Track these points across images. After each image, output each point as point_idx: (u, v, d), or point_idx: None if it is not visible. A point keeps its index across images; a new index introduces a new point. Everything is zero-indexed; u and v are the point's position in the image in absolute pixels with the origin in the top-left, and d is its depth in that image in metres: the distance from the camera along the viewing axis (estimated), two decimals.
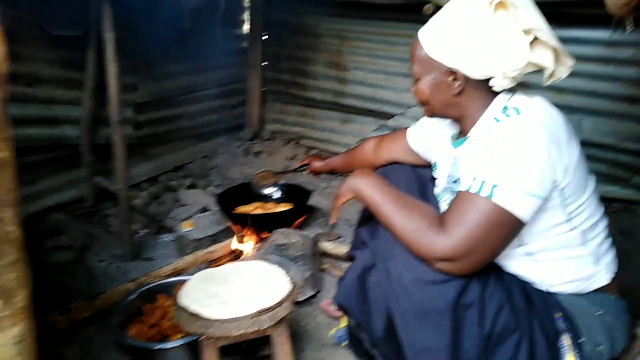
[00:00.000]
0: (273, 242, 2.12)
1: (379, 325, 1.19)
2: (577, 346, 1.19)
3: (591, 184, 1.23)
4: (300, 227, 2.45)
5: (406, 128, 1.63)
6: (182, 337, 1.54)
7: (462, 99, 1.22)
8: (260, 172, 2.32)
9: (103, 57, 2.09)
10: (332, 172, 2.00)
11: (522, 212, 1.07)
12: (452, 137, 1.39)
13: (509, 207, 1.06)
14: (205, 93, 3.46)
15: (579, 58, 2.72)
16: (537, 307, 1.19)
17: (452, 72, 1.19)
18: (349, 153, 1.89)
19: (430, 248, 1.09)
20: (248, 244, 2.22)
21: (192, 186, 3.03)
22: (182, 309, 1.28)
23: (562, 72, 1.20)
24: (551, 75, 1.20)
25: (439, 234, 1.09)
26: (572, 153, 1.13)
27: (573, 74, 2.75)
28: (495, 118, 1.18)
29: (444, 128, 1.44)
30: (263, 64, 3.79)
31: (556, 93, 2.70)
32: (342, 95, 3.54)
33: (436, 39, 1.20)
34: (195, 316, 1.24)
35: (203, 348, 1.24)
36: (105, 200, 2.67)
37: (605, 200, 2.79)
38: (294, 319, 1.86)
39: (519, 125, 1.10)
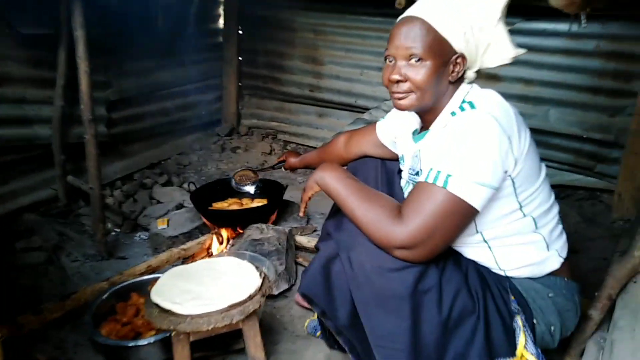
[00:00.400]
0: (248, 238, 2.14)
1: (343, 313, 1.24)
2: (530, 327, 1.24)
3: (542, 172, 1.28)
4: (276, 221, 2.47)
5: (375, 123, 1.67)
6: (155, 334, 1.55)
7: (450, 88, 1.24)
8: (239, 171, 2.41)
9: (74, 55, 2.07)
10: (308, 167, 2.04)
11: (475, 201, 1.11)
12: (414, 132, 1.43)
13: (463, 196, 1.10)
14: (180, 89, 3.44)
15: (545, 50, 2.83)
16: (492, 290, 1.24)
17: (461, 57, 1.20)
18: (323, 148, 1.93)
19: (388, 237, 1.12)
20: (222, 241, 2.23)
21: (167, 183, 3.02)
22: (154, 306, 1.29)
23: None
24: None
25: (396, 224, 1.12)
26: (522, 144, 1.17)
27: (540, 66, 2.86)
28: (452, 112, 1.23)
29: (410, 122, 1.48)
30: (239, 58, 3.78)
31: (524, 84, 2.78)
32: (318, 90, 3.56)
33: (449, 21, 1.18)
34: (166, 312, 1.26)
35: (174, 344, 1.26)
36: (78, 200, 2.65)
37: (571, 189, 2.92)
38: (269, 312, 1.88)
39: (473, 118, 1.14)
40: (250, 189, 2.45)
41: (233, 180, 2.43)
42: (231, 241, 2.22)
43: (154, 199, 2.81)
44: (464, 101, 1.22)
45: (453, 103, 1.25)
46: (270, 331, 1.76)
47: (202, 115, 3.72)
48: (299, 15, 3.51)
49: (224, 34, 3.73)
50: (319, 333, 1.69)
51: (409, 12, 1.23)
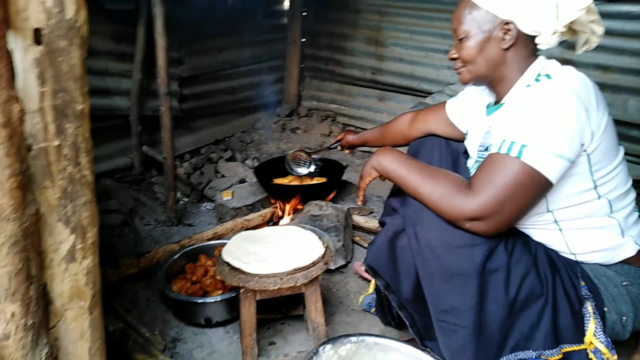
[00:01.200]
0: (307, 213, 2.20)
1: (407, 286, 1.25)
2: (601, 314, 1.21)
3: (620, 153, 1.24)
4: (334, 200, 2.52)
5: (445, 101, 1.65)
6: (222, 293, 1.65)
7: (509, 56, 1.23)
8: (293, 151, 2.33)
9: (152, 31, 2.19)
10: (366, 144, 2.02)
11: (549, 172, 1.09)
12: (488, 105, 1.41)
13: (538, 167, 1.08)
14: (246, 69, 3.55)
15: (627, 34, 2.66)
16: (562, 274, 1.21)
17: (507, 24, 1.20)
18: (384, 126, 1.92)
19: (459, 209, 1.12)
20: (284, 214, 2.31)
21: (231, 159, 3.14)
22: (224, 264, 1.37)
23: (594, 41, 1.23)
24: (585, 42, 1.24)
25: (467, 195, 1.12)
26: (600, 120, 1.14)
27: (621, 52, 2.70)
28: (527, 85, 1.21)
29: (481, 99, 1.46)
30: (302, 40, 3.83)
31: (602, 71, 2.63)
32: (379, 72, 3.55)
33: None
34: (236, 270, 1.34)
35: (242, 300, 1.34)
36: (152, 169, 2.82)
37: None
38: (326, 286, 1.94)
39: (549, 88, 1.12)
40: (303, 170, 2.33)
41: (286, 161, 2.31)
42: (291, 216, 2.30)
43: (218, 173, 2.95)
44: (539, 75, 1.19)
45: (528, 76, 1.23)
46: (326, 303, 1.82)
47: (265, 95, 3.82)
48: None
49: (288, 15, 3.78)
50: (373, 310, 1.72)
51: None
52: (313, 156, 2.33)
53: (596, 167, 1.17)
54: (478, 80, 1.32)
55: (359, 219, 2.35)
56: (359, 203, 1.50)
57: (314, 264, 1.37)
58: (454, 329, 1.18)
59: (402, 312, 1.33)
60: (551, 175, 1.10)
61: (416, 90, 3.40)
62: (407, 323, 1.34)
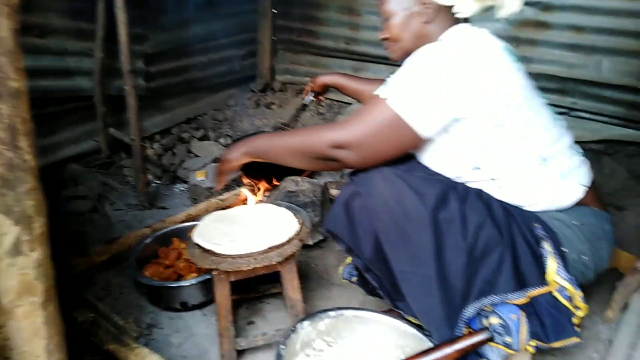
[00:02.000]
0: (283, 189, 2.15)
1: (368, 247, 1.24)
2: (559, 253, 1.21)
3: (540, 107, 1.26)
4: (310, 175, 2.47)
5: None
6: (196, 276, 1.61)
7: (431, 29, 1.29)
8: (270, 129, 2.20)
9: (113, 6, 2.07)
10: (340, 88, 1.90)
11: (414, 122, 1.17)
12: None
13: (400, 112, 1.17)
14: (215, 43, 3.42)
15: None
16: (517, 219, 1.22)
17: (425, 3, 1.27)
18: (366, 80, 1.85)
19: (324, 136, 1.24)
20: (259, 192, 2.25)
21: (203, 138, 3.05)
22: (196, 246, 1.32)
23: (514, 5, 1.25)
24: (502, 7, 1.26)
25: (336, 127, 1.27)
26: (501, 81, 1.17)
27: (595, 11, 2.66)
28: None
29: None
30: (273, 11, 3.69)
31: (576, 32, 2.61)
32: (354, 42, 3.46)
33: None
34: (207, 252, 1.29)
35: (215, 283, 1.30)
36: (120, 152, 2.72)
37: (621, 144, 2.77)
38: (304, 261, 1.91)
39: (432, 48, 1.19)
40: None
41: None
42: (267, 193, 2.24)
43: (191, 153, 2.86)
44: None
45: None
46: (305, 279, 1.80)
47: (237, 70, 3.70)
48: None
49: None
50: (354, 278, 1.70)
51: None
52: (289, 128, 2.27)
53: (509, 122, 1.19)
54: (408, 55, 1.29)
55: (336, 193, 2.31)
56: (218, 189, 1.54)
57: (288, 241, 1.33)
58: (417, 279, 1.19)
59: (368, 275, 1.32)
60: (415, 124, 1.17)
61: (391, 59, 3.33)
62: (375, 285, 1.34)
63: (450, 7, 1.26)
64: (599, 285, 1.72)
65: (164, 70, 3.04)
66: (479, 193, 1.25)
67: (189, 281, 1.56)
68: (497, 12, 1.27)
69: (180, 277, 1.65)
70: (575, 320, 1.20)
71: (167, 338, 1.53)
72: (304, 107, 2.12)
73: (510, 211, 1.24)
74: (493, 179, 1.25)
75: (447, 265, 1.16)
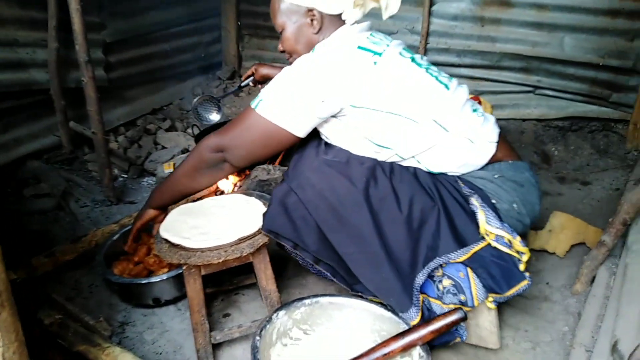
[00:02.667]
0: (255, 179, 2.12)
1: (311, 238, 1.27)
2: (490, 206, 1.26)
3: (431, 85, 1.30)
4: (282, 162, 2.44)
5: None
6: (168, 271, 1.57)
7: (322, 37, 1.34)
8: (198, 99, 2.14)
9: None
10: None
11: (285, 125, 1.25)
12: None
13: (268, 117, 1.26)
14: (179, 29, 3.31)
15: None
16: (443, 182, 1.28)
17: (310, 11, 1.32)
18: None
19: (205, 144, 1.36)
20: (230, 181, 2.21)
21: (171, 128, 2.97)
22: (163, 241, 1.29)
23: (395, 5, 1.34)
24: (387, 7, 1.34)
25: (214, 134, 1.36)
26: (356, 80, 1.23)
27: None
28: None
29: None
30: None
31: (538, 10, 2.64)
32: None
33: None
34: (176, 247, 1.26)
35: (186, 277, 1.27)
36: (83, 146, 2.62)
37: (584, 120, 2.84)
38: (279, 250, 1.89)
39: (303, 59, 1.27)
40: (215, 117, 2.19)
41: (194, 112, 2.12)
42: (238, 183, 2.21)
43: (158, 144, 2.78)
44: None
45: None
46: (280, 268, 1.78)
47: (202, 57, 3.60)
48: None
49: None
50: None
51: None
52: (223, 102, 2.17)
53: (391, 110, 1.24)
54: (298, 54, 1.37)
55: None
56: (127, 249, 1.64)
57: (259, 231, 1.30)
58: (365, 258, 1.23)
59: (320, 266, 1.33)
60: (285, 125, 1.26)
61: None
62: (328, 275, 1.35)
63: (339, 14, 1.32)
64: (567, 259, 1.77)
65: (124, 59, 2.92)
66: (403, 166, 1.30)
67: (160, 277, 1.52)
68: (383, 14, 1.35)
69: (151, 273, 1.61)
70: (521, 267, 1.25)
71: (140, 335, 1.50)
72: (240, 88, 2.08)
73: (436, 177, 1.30)
74: (410, 156, 1.30)
75: (389, 239, 1.21)
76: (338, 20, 1.33)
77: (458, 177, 1.32)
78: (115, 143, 2.69)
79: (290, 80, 1.26)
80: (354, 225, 1.21)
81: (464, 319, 1.18)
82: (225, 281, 1.62)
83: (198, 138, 2.39)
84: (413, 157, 1.30)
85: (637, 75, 2.48)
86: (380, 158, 1.32)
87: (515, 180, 1.31)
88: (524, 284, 1.24)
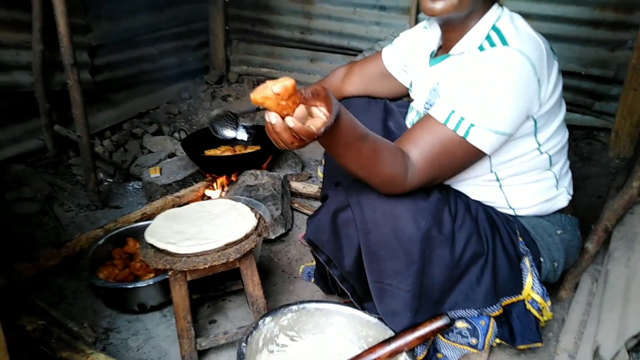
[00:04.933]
0: (242, 184, 2.12)
1: (349, 260, 1.21)
2: (537, 266, 1.25)
3: (563, 108, 1.24)
4: (270, 168, 2.44)
5: (380, 51, 1.54)
6: (154, 276, 1.56)
7: (483, 6, 1.14)
8: (217, 112, 2.05)
9: None
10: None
11: (489, 149, 1.10)
12: (431, 54, 1.33)
13: (480, 145, 1.08)
14: (165, 33, 3.29)
15: None
16: (501, 232, 1.23)
17: None
18: (319, 83, 1.83)
19: (399, 192, 1.11)
20: (217, 187, 2.20)
21: (157, 132, 2.95)
22: (149, 247, 1.28)
23: None
24: None
25: (407, 180, 1.09)
26: (551, 84, 1.12)
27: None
28: (479, 45, 1.13)
29: (421, 45, 1.38)
30: None
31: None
32: (308, 31, 3.43)
33: None
34: (161, 252, 1.25)
35: (171, 283, 1.25)
36: (68, 150, 2.59)
37: (569, 128, 2.88)
38: (266, 256, 1.89)
39: (504, 57, 1.06)
40: (230, 133, 2.04)
41: (210, 124, 1.99)
42: (226, 188, 2.20)
43: (144, 149, 2.76)
44: (494, 27, 1.12)
45: (481, 27, 1.14)
46: (268, 274, 1.78)
47: (190, 62, 3.58)
48: None
49: None
50: (312, 280, 1.70)
51: None
52: (241, 120, 2.17)
53: (542, 128, 1.17)
54: (452, 18, 1.16)
55: (297, 185, 2.29)
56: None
57: (246, 236, 1.30)
58: (396, 293, 1.17)
59: (343, 285, 1.30)
60: (489, 150, 1.11)
61: (347, 48, 3.32)
62: (348, 293, 1.32)
63: None
64: None
65: (110, 62, 2.90)
66: (468, 205, 1.23)
67: (146, 282, 1.51)
68: None
69: (137, 278, 1.59)
70: (540, 325, 1.26)
71: (125, 342, 1.48)
72: (258, 109, 2.06)
73: (496, 223, 1.24)
74: (498, 180, 1.23)
75: (427, 279, 1.15)
76: None
77: (521, 221, 1.27)
78: (100, 147, 2.66)
79: (506, 94, 1.04)
80: (400, 261, 1.13)
81: (449, 325, 1.19)
82: (212, 287, 1.61)
83: (185, 143, 2.38)
84: (503, 180, 1.23)
85: (618, 84, 2.53)
86: (469, 175, 1.22)
87: (570, 240, 1.30)
88: (537, 345, 1.25)
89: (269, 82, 0.85)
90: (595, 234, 1.47)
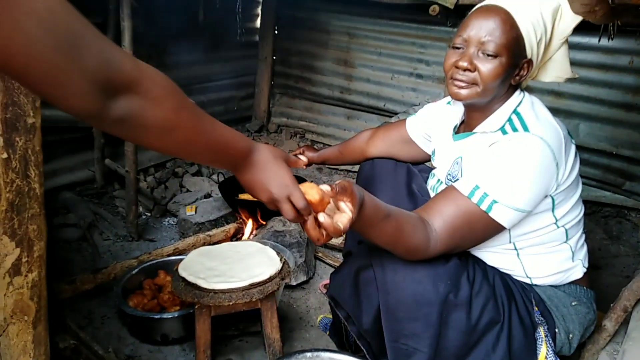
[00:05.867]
0: (271, 229, 2.21)
1: (368, 319, 1.25)
2: (552, 336, 1.27)
3: (579, 186, 1.30)
4: None
5: (404, 119, 1.65)
6: (179, 309, 1.64)
7: (508, 90, 1.22)
8: None
9: (120, 45, 2.18)
10: (325, 162, 2.00)
11: (508, 224, 1.15)
12: (454, 128, 1.42)
13: (501, 221, 1.13)
14: (215, 84, 3.55)
15: (579, 64, 2.83)
16: (517, 300, 1.25)
17: (528, 62, 1.19)
18: (344, 144, 1.91)
19: (423, 256, 1.14)
20: (247, 229, 2.30)
21: (197, 173, 3.13)
22: (180, 279, 1.37)
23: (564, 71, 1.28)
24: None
25: (429, 249, 1.13)
26: (568, 166, 1.18)
27: (572, 79, 2.83)
28: (501, 127, 1.22)
29: (444, 118, 1.48)
30: (273, 57, 3.87)
31: (555, 97, 2.77)
32: (348, 92, 3.62)
33: (532, 21, 1.16)
34: (191, 286, 1.33)
35: (197, 316, 1.33)
36: (114, 182, 2.78)
37: (597, 205, 2.89)
38: (286, 302, 1.94)
39: (525, 143, 1.12)
40: None
41: None
42: (254, 231, 2.30)
43: (183, 187, 2.92)
44: (515, 111, 1.21)
45: (504, 111, 1.23)
46: (286, 319, 1.82)
47: (234, 110, 3.82)
48: (334, 18, 3.59)
49: (260, 32, 3.83)
50: (328, 332, 1.73)
51: (492, 1, 1.19)
52: None
53: (559, 205, 1.23)
54: (475, 103, 1.24)
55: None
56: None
57: (270, 279, 1.37)
58: (412, 353, 1.19)
59: (359, 341, 1.33)
60: (508, 225, 1.16)
61: (382, 110, 3.48)
62: (364, 350, 1.34)
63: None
64: None
65: None
66: (485, 271, 1.26)
67: (171, 314, 1.59)
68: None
69: (163, 310, 1.67)
70: None
71: None
72: None
73: (512, 291, 1.27)
74: (516, 249, 1.27)
75: (444, 343, 1.17)
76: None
77: (537, 290, 1.30)
78: (144, 182, 2.84)
79: (527, 176, 1.11)
80: (418, 323, 1.15)
81: None
82: (231, 326, 1.67)
83: (222, 186, 2.53)
84: (521, 250, 1.26)
85: None
86: (489, 248, 1.26)
87: (585, 312, 1.32)
88: None
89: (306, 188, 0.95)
90: (613, 313, 1.46)
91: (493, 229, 1.16)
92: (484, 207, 1.11)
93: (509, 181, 1.11)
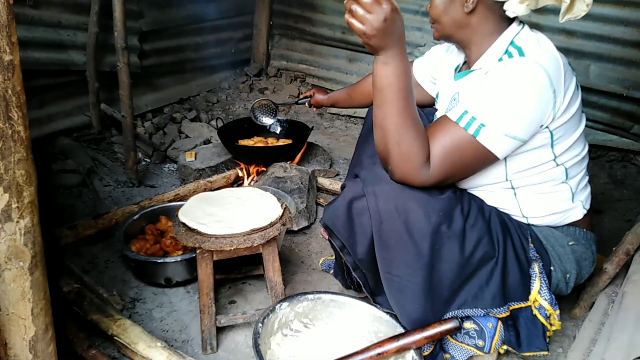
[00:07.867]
0: (272, 175, 2.19)
1: (362, 247, 1.26)
2: (547, 273, 1.27)
3: (582, 123, 1.26)
4: (300, 163, 2.51)
5: (412, 61, 1.60)
6: (182, 254, 1.65)
7: (473, 20, 1.21)
8: (259, 100, 2.34)
9: None
10: (334, 105, 2.01)
11: (499, 151, 1.13)
12: (456, 68, 1.39)
13: (489, 146, 1.11)
14: (211, 24, 3.41)
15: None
16: (513, 237, 1.25)
17: None
18: (353, 87, 1.88)
19: (412, 177, 1.14)
20: (246, 177, 2.29)
21: (195, 119, 3.07)
22: (181, 225, 1.36)
23: (580, 9, 1.13)
24: (568, 9, 1.14)
25: (423, 167, 1.13)
26: (566, 97, 1.14)
27: (585, 17, 2.69)
28: (499, 58, 1.18)
29: (450, 59, 1.44)
30: None
31: (566, 36, 2.65)
32: (350, 32, 3.47)
33: None
34: (192, 231, 1.33)
35: (199, 260, 1.33)
36: (111, 128, 2.73)
37: (603, 149, 2.84)
38: (288, 246, 1.96)
39: (519, 66, 1.10)
40: (268, 120, 2.35)
41: (252, 109, 2.31)
42: (255, 177, 2.28)
43: (182, 133, 2.88)
44: (512, 43, 1.17)
45: (500, 44, 1.20)
46: (288, 263, 1.85)
47: (232, 53, 3.69)
48: None
49: None
50: (332, 271, 1.76)
51: None
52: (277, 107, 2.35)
53: (558, 140, 1.19)
54: (445, 39, 1.31)
55: (323, 181, 2.35)
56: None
57: (271, 224, 1.37)
58: (404, 285, 1.21)
59: (356, 273, 1.35)
60: (500, 153, 1.14)
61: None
62: (360, 282, 1.37)
63: (499, 3, 1.17)
64: None
65: (158, 48, 3.03)
66: (481, 207, 1.26)
67: (174, 258, 1.60)
68: (563, 16, 1.16)
69: (166, 254, 1.69)
70: (548, 334, 1.27)
71: (150, 312, 1.57)
72: (296, 103, 2.21)
73: (509, 227, 1.26)
74: (513, 188, 1.26)
75: (437, 276, 1.19)
76: (499, 8, 1.18)
77: (534, 229, 1.30)
78: (141, 128, 2.79)
79: (519, 99, 1.08)
80: (410, 253, 1.17)
81: (458, 328, 1.22)
82: (234, 270, 1.69)
83: (221, 131, 2.48)
84: (518, 189, 1.25)
85: None
86: (485, 182, 1.26)
87: (582, 252, 1.32)
88: (543, 353, 1.27)
89: None
90: (615, 256, 1.47)
91: (484, 157, 1.13)
92: (471, 131, 1.10)
93: (499, 104, 1.09)
